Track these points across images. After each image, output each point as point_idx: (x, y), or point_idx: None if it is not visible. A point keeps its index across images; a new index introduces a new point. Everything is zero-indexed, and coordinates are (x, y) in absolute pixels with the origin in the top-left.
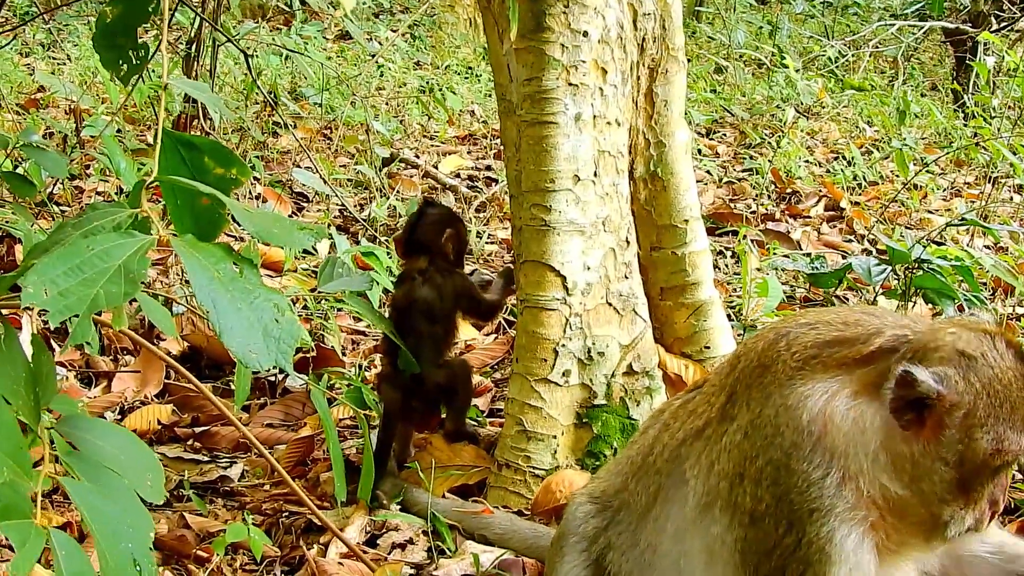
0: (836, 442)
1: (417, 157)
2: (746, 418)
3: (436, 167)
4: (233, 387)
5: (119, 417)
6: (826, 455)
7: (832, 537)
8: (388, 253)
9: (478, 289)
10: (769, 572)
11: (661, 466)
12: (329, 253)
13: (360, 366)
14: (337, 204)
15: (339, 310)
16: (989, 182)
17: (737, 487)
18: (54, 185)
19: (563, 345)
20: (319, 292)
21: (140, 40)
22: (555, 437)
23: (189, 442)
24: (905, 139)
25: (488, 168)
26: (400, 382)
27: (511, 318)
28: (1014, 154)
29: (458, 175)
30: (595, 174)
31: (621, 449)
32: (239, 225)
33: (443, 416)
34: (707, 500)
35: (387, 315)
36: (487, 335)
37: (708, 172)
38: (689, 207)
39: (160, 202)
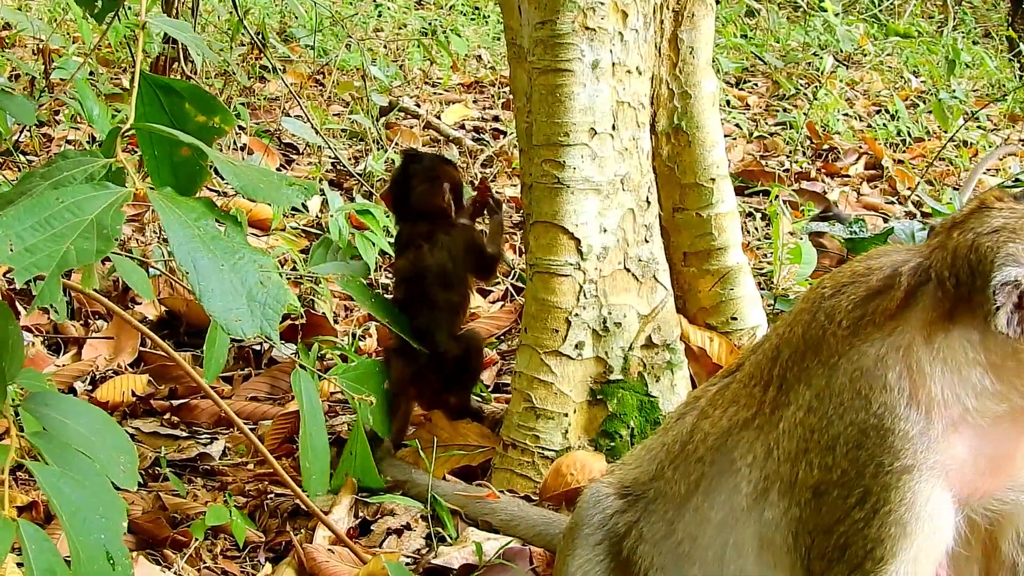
0: (933, 393)
1: (418, 106)
2: (808, 395)
3: (439, 117)
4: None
5: (90, 388)
6: (921, 408)
7: (915, 502)
8: (386, 212)
9: (482, 238)
10: (825, 551)
11: (704, 454)
12: (321, 211)
13: (354, 335)
14: (330, 157)
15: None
16: None
17: (801, 462)
18: (21, 132)
19: (576, 314)
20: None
21: None
22: (566, 415)
23: (166, 416)
24: (954, 91)
25: (496, 119)
26: (413, 356)
27: (519, 284)
28: None
29: (463, 126)
30: (613, 127)
31: (639, 429)
32: (222, 179)
33: (448, 388)
34: (764, 486)
35: (392, 286)
36: (493, 303)
37: (737, 126)
38: (716, 164)
39: (136, 152)
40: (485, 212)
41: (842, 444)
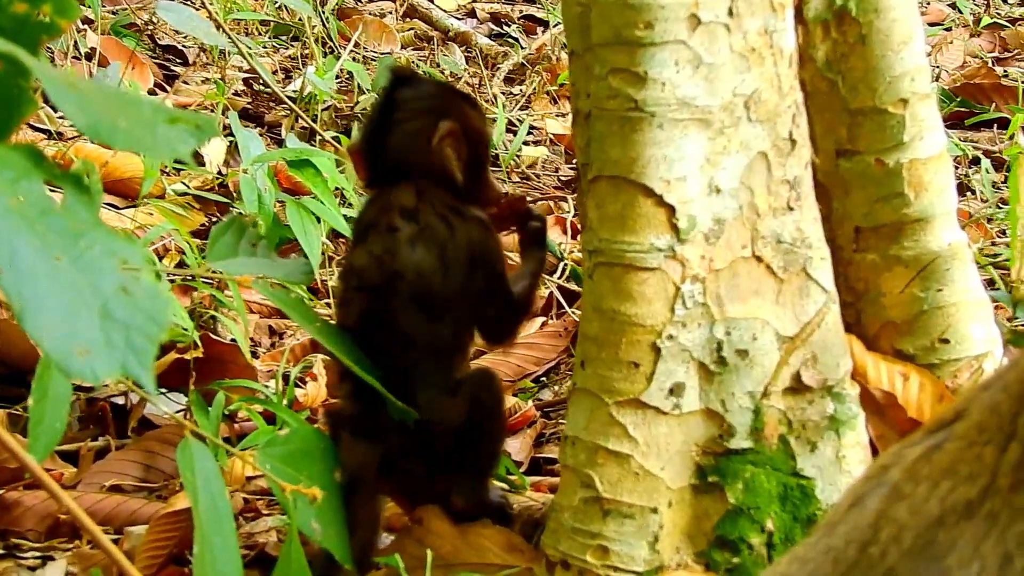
0: None
1: None
2: None
3: None
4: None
5: None
6: None
7: None
8: (338, 164)
9: (500, 254)
10: None
11: (897, 564)
12: (226, 162)
13: (286, 377)
14: (242, 70)
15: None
16: None
17: None
18: None
19: (671, 336)
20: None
21: None
22: (655, 511)
23: None
24: None
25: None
26: (379, 429)
27: (572, 286)
28: None
29: (472, 13)
30: (730, 12)
31: (781, 533)
32: (56, 111)
33: (446, 476)
34: None
35: (340, 299)
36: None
37: (953, 6)
38: (910, 75)
39: None
40: (518, 237)
41: None
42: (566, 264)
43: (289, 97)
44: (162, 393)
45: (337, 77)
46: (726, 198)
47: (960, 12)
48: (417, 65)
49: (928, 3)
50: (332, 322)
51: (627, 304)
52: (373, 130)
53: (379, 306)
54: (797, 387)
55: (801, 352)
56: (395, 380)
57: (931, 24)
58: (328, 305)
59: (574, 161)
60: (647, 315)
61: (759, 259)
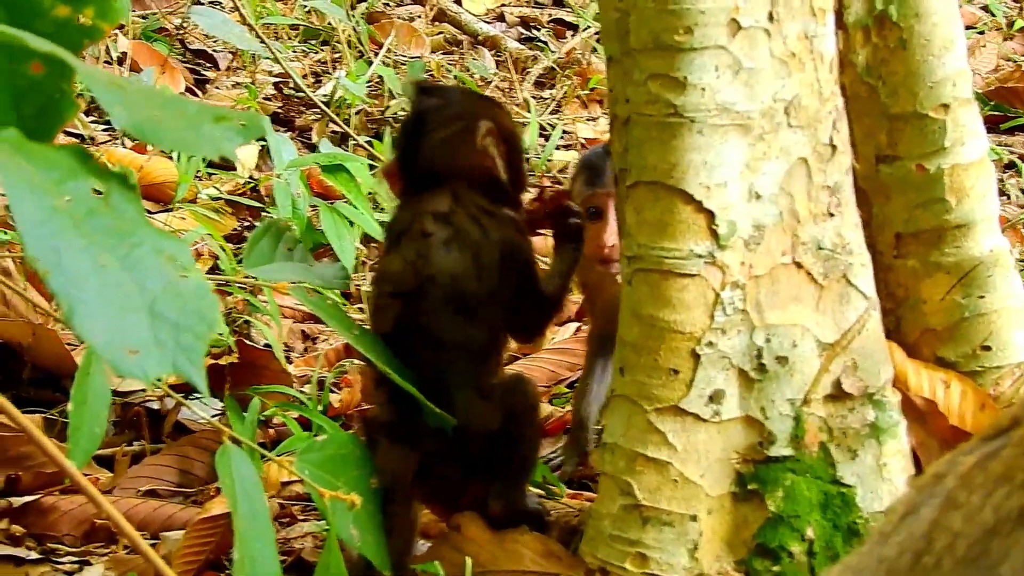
0: None
1: None
2: None
3: (459, 2)
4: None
5: None
6: None
7: None
8: (371, 168)
9: (531, 253)
10: None
11: (949, 572)
12: (258, 167)
13: (322, 382)
14: (272, 74)
15: None
16: None
17: None
18: None
19: (710, 343)
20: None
21: None
22: (694, 519)
23: (2, 524)
24: None
25: (559, 3)
26: (416, 436)
27: None
28: None
29: (501, 17)
30: (771, 17)
31: (822, 541)
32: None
33: (482, 481)
34: None
35: (375, 306)
36: (560, 324)
37: (986, 9)
38: (951, 79)
39: None
40: (553, 233)
41: None
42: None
43: (322, 101)
44: (197, 398)
45: (368, 82)
46: (766, 204)
47: (993, 15)
48: (447, 69)
49: (961, 6)
50: (367, 328)
51: (666, 311)
52: (406, 143)
53: (413, 311)
54: (838, 394)
55: (842, 359)
56: (430, 385)
57: (968, 27)
58: (361, 310)
59: (609, 165)
60: (686, 322)
61: (799, 265)
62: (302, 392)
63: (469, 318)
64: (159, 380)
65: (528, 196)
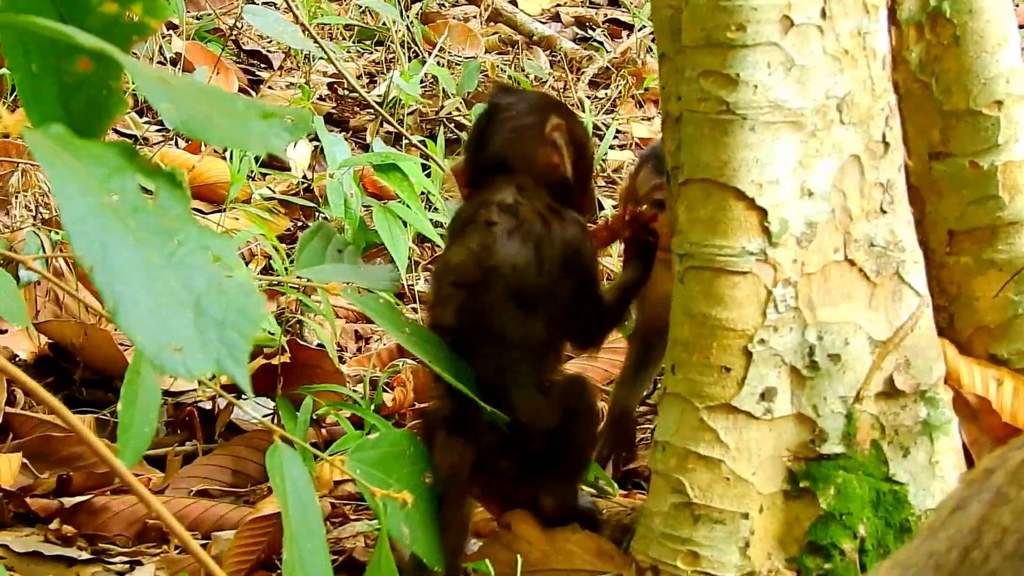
0: None
1: None
2: None
3: (514, 2)
4: None
5: None
6: None
7: None
8: (424, 168)
9: (595, 259)
10: None
11: (997, 567)
12: (311, 167)
13: (374, 383)
14: (326, 74)
15: None
16: None
17: None
18: None
19: (762, 341)
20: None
21: None
22: (746, 517)
23: (53, 524)
24: None
25: (614, 3)
26: (474, 430)
27: None
28: None
29: (556, 17)
30: (823, 13)
31: (874, 539)
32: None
33: (536, 478)
34: None
35: (435, 298)
36: None
37: None
38: (1005, 76)
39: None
40: (625, 246)
41: None
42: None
43: (376, 101)
44: (249, 398)
45: (421, 82)
46: (818, 201)
47: None
48: (502, 70)
49: (1017, 5)
50: (421, 325)
51: (718, 308)
52: (477, 137)
53: (475, 303)
54: (890, 392)
55: (894, 356)
56: (489, 380)
57: (1018, 26)
58: (414, 310)
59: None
60: (738, 319)
61: (852, 263)
62: (354, 391)
63: (529, 311)
64: (211, 379)
65: (600, 211)
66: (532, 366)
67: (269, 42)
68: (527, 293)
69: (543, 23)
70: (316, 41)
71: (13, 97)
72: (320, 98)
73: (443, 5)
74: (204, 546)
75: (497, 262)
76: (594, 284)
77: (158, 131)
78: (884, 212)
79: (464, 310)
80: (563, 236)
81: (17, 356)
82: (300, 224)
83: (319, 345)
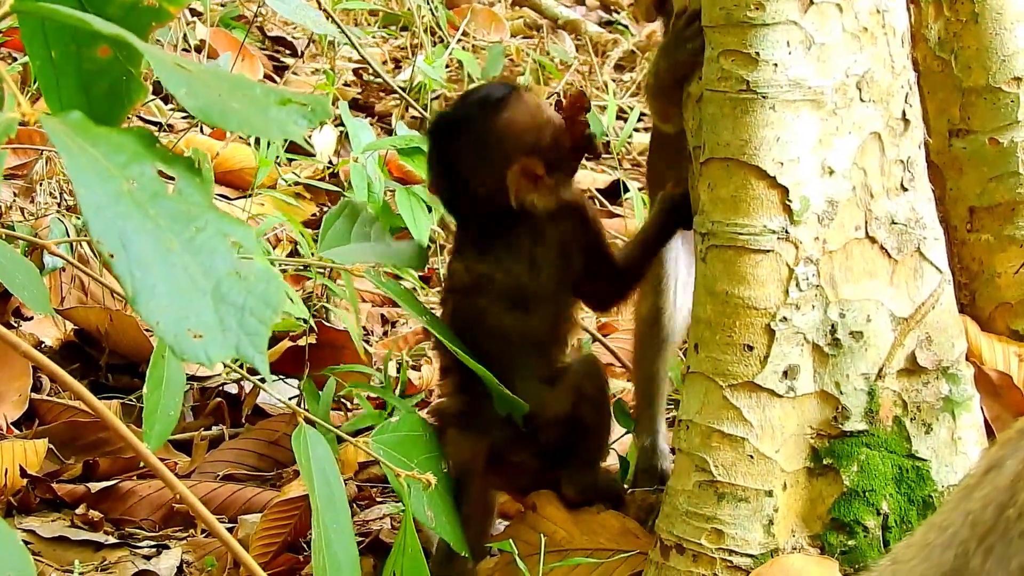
0: None
1: None
2: None
3: None
4: None
5: None
6: None
7: None
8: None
9: (601, 232)
10: None
11: None
12: (337, 152)
13: (400, 365)
14: (351, 60)
15: None
16: None
17: None
18: None
19: (784, 319)
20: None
21: None
22: (770, 494)
23: (80, 509)
24: None
25: None
26: (485, 424)
27: None
28: None
29: (581, 1)
30: None
31: (897, 515)
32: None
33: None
34: None
35: (440, 300)
36: None
37: None
38: (1023, 53)
39: (19, 57)
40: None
41: None
42: None
43: (400, 87)
44: (279, 378)
45: (446, 67)
46: (839, 179)
47: None
48: (527, 53)
49: None
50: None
51: (740, 287)
52: (442, 185)
53: (469, 305)
54: (912, 368)
55: (916, 333)
56: (494, 374)
57: None
58: (439, 293)
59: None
60: (761, 297)
61: (873, 240)
62: (378, 371)
63: (526, 311)
64: (237, 363)
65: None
66: (534, 358)
67: (294, 28)
68: (522, 294)
69: (568, 7)
70: (340, 27)
71: (36, 85)
72: (345, 84)
73: None
74: (231, 530)
75: (480, 275)
76: (602, 257)
77: (183, 118)
78: (905, 189)
79: (458, 312)
80: (558, 238)
81: (43, 342)
82: (325, 209)
83: (344, 328)
